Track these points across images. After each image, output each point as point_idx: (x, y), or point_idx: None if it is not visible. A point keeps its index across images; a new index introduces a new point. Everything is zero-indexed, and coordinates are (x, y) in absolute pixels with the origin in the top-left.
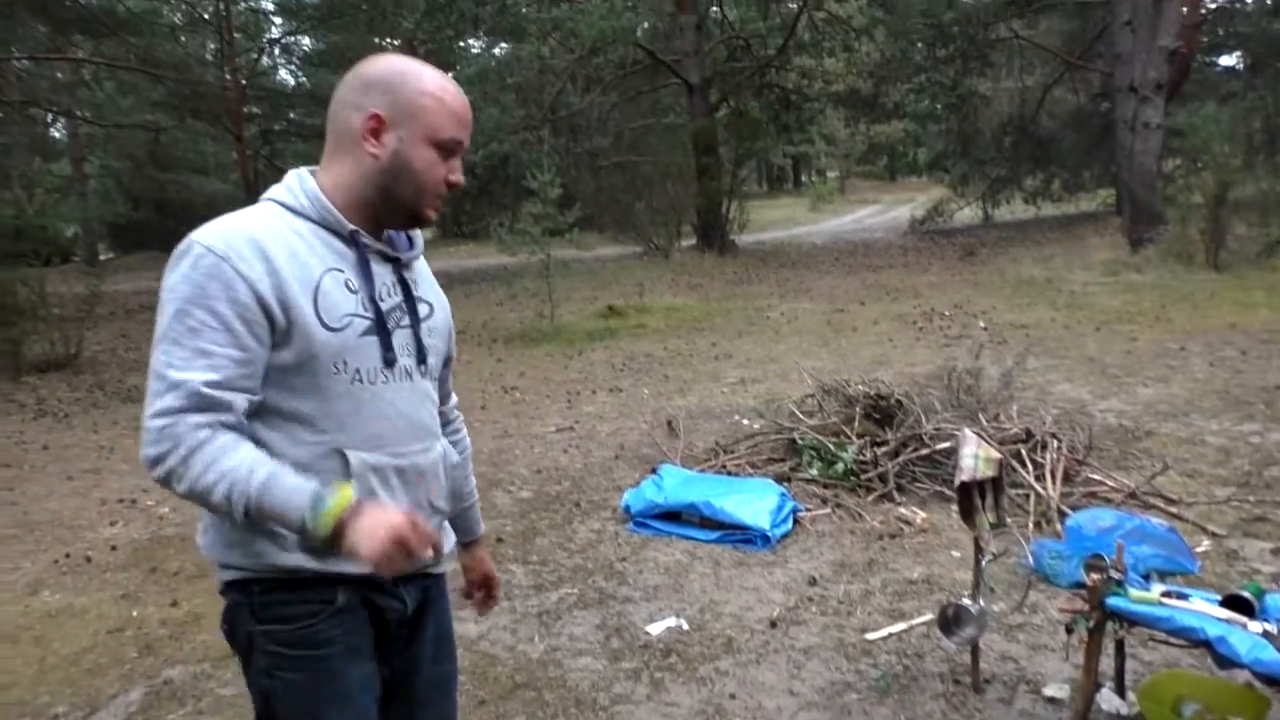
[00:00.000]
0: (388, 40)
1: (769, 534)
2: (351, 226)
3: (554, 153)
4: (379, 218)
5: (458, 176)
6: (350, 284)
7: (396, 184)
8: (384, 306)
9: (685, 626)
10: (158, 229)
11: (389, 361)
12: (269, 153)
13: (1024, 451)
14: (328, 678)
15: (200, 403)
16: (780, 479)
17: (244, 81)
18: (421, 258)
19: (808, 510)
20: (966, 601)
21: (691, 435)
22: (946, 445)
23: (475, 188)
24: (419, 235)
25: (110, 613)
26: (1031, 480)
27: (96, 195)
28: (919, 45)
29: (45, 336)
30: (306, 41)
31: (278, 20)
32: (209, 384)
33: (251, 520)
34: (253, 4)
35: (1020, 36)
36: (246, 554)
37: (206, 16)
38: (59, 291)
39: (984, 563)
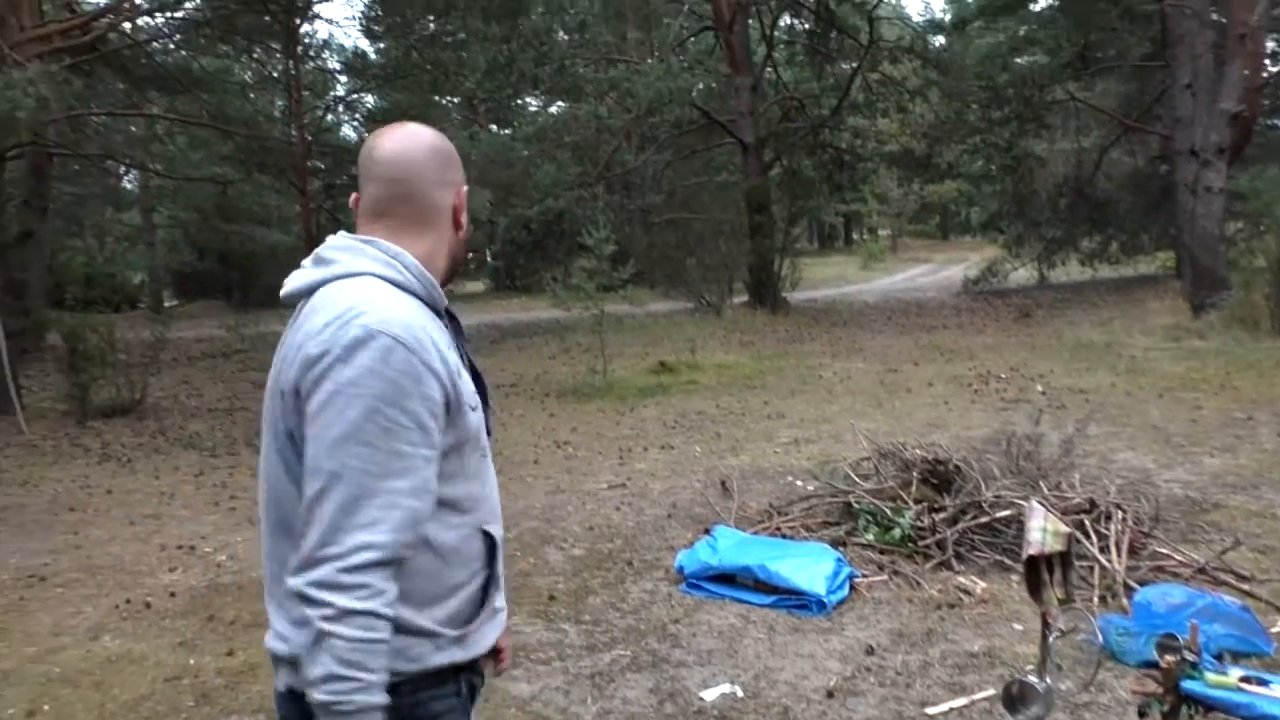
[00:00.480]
0: (449, 99)
1: (825, 600)
2: (446, 302)
3: (608, 209)
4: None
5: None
6: (463, 360)
7: (462, 253)
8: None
9: (740, 694)
10: (220, 278)
11: (489, 432)
12: (331, 206)
13: (1087, 522)
14: None
15: (398, 540)
16: (835, 543)
17: (309, 137)
18: None
19: (864, 576)
20: (1032, 678)
21: (744, 495)
22: (1007, 513)
23: (530, 242)
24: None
25: (168, 660)
26: (1096, 552)
27: (164, 244)
28: (973, 106)
29: (112, 382)
30: (370, 100)
31: (343, 79)
32: (406, 499)
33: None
34: (320, 64)
35: (1077, 99)
36: (405, 659)
37: (276, 75)
38: (125, 337)
39: (1051, 639)
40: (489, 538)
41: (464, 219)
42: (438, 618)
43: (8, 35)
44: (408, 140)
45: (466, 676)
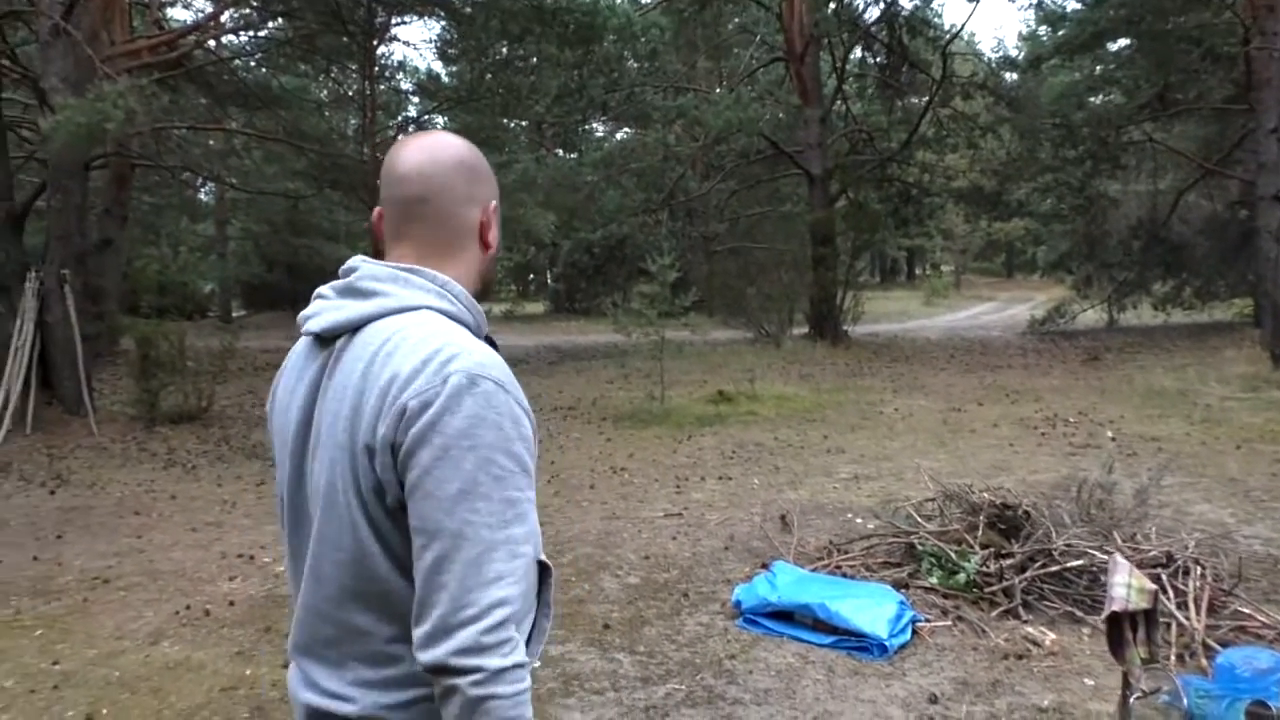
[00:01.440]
0: (518, 122)
1: (886, 643)
2: (488, 328)
3: (671, 236)
4: None
5: None
6: None
7: (491, 271)
8: None
9: None
10: (287, 290)
11: None
12: None
13: (1164, 577)
14: None
15: (524, 590)
16: (898, 585)
17: (380, 156)
18: None
19: (927, 621)
20: None
21: (803, 531)
22: (1078, 563)
23: (592, 266)
24: None
25: (225, 669)
26: (1173, 609)
27: (235, 256)
28: (1046, 145)
29: (180, 389)
30: (441, 121)
31: (415, 100)
32: (523, 546)
33: None
34: (394, 84)
35: (1154, 140)
36: None
37: (351, 94)
38: (195, 345)
39: (1132, 700)
40: (545, 568)
41: (493, 237)
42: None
43: (99, 49)
44: (432, 152)
45: None
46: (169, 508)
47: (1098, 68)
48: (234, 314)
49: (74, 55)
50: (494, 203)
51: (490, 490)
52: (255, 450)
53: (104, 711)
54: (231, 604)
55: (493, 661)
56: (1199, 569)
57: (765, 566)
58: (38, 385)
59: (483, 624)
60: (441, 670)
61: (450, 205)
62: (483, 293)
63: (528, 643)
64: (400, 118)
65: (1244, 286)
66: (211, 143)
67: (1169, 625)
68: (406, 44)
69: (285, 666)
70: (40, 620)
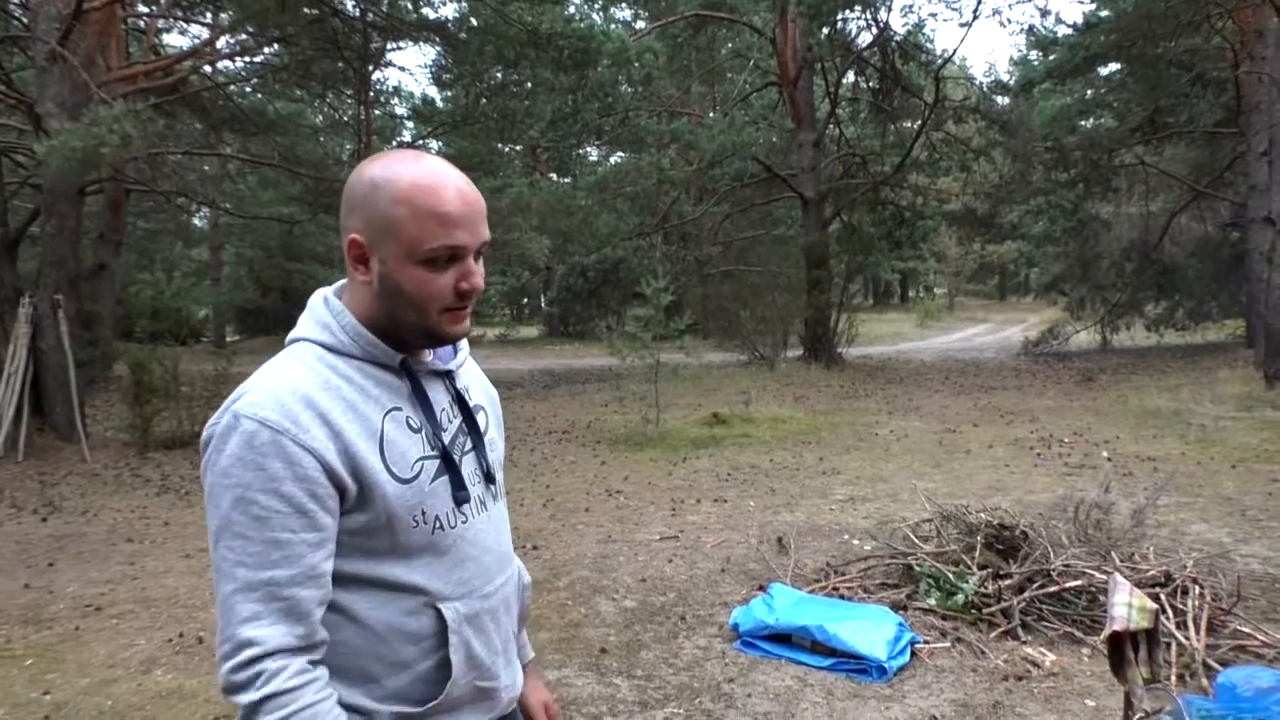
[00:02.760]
0: (512, 146)
1: (885, 665)
2: (400, 355)
3: (665, 259)
4: (404, 341)
5: (472, 281)
6: (411, 421)
7: (398, 309)
8: (446, 438)
9: None
10: (282, 315)
11: (460, 501)
12: None
13: (1163, 596)
14: None
15: (285, 630)
16: (895, 606)
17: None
18: (468, 358)
19: (926, 642)
20: None
21: (800, 553)
22: (1077, 583)
23: (585, 290)
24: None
25: (218, 698)
26: (1173, 628)
27: (229, 281)
28: (1039, 168)
29: (174, 414)
30: (435, 145)
31: (410, 125)
32: (287, 589)
33: None
34: (389, 110)
35: (1145, 163)
36: None
37: (347, 119)
38: (188, 370)
39: None
40: (440, 617)
41: (364, 274)
42: (377, 695)
43: (95, 74)
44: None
45: None
46: (162, 534)
47: (1089, 92)
48: (228, 339)
49: (70, 80)
50: (362, 236)
51: (246, 529)
52: None
53: None
54: None
55: (245, 697)
56: (1197, 588)
57: (762, 589)
58: (30, 411)
59: (231, 662)
60: None
61: (341, 234)
62: (400, 328)
63: (431, 697)
64: (395, 143)
65: (1236, 307)
66: (207, 168)
67: (1169, 645)
68: (402, 69)
69: None
70: (31, 649)
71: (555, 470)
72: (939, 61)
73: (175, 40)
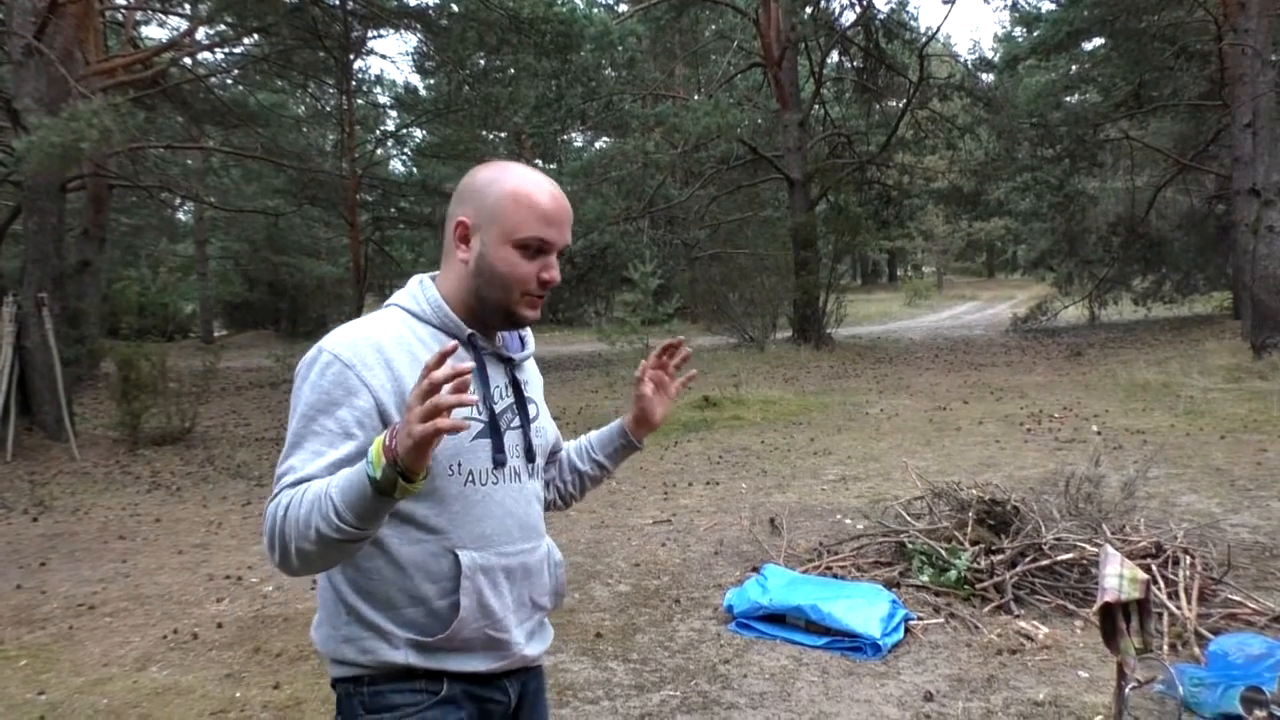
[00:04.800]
0: (496, 134)
1: (879, 643)
2: (469, 330)
3: (653, 244)
4: (483, 320)
5: (551, 274)
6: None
7: (486, 286)
8: (497, 409)
9: None
10: (269, 308)
11: (499, 463)
12: (379, 239)
13: (1154, 567)
14: None
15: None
16: (889, 584)
17: (359, 171)
18: (532, 358)
19: (919, 619)
20: None
21: (793, 533)
22: (1068, 556)
23: (573, 276)
24: (529, 336)
25: (214, 692)
26: (1165, 599)
27: (215, 275)
28: (1024, 144)
29: (163, 410)
30: (419, 134)
31: (393, 113)
32: (316, 472)
33: (352, 525)
34: (372, 99)
35: (1130, 138)
36: (360, 650)
37: (329, 109)
38: (176, 366)
39: (1127, 690)
40: (457, 561)
41: (464, 251)
42: (395, 620)
43: (73, 69)
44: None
45: (451, 684)
46: (154, 531)
47: (1073, 67)
48: (215, 334)
49: (48, 75)
50: (470, 219)
51: (304, 440)
52: (240, 470)
53: None
54: (219, 626)
55: (274, 558)
56: (1188, 559)
57: (756, 570)
58: (17, 411)
59: (264, 540)
60: None
61: (448, 221)
62: (483, 305)
63: (438, 632)
64: (378, 132)
65: (1223, 280)
66: (189, 161)
67: (1160, 615)
68: (383, 58)
69: (276, 687)
70: (25, 650)
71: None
72: (923, 39)
73: (154, 33)
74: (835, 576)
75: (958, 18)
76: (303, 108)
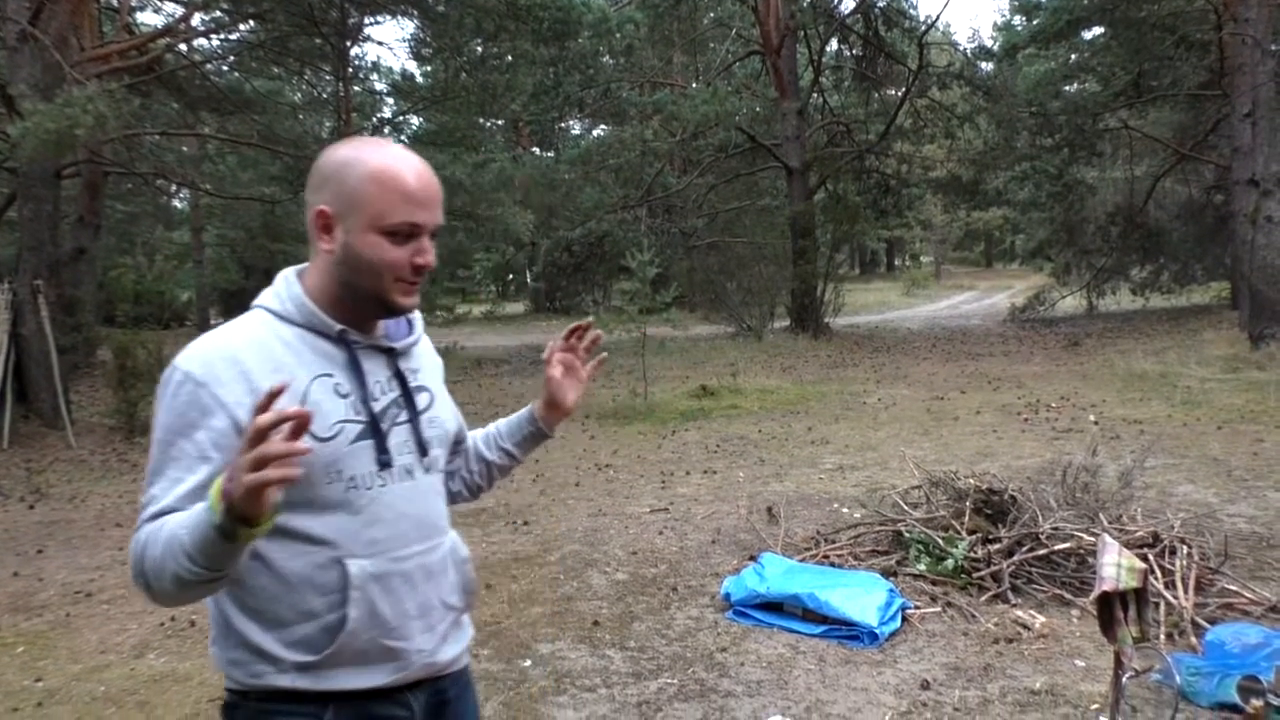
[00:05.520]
0: (493, 121)
1: (877, 631)
2: (339, 326)
3: (650, 232)
4: (356, 311)
5: (425, 258)
6: (341, 388)
7: (355, 276)
8: (378, 406)
9: None
10: None
11: (384, 464)
12: None
13: (1151, 557)
14: None
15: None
16: (886, 573)
17: None
18: (424, 341)
19: (916, 608)
20: (1103, 719)
21: (790, 522)
22: (1065, 546)
23: (571, 265)
24: (418, 320)
25: (212, 680)
26: (1161, 588)
27: (211, 263)
28: (1023, 133)
29: None
30: (416, 121)
31: (390, 101)
32: (175, 502)
33: (203, 567)
34: (368, 86)
35: (1130, 127)
36: (247, 674)
37: (325, 96)
38: (172, 354)
39: (1125, 679)
40: (345, 569)
41: (327, 242)
42: (284, 640)
43: (68, 54)
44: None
45: (337, 707)
46: None
47: (1073, 56)
48: (211, 321)
49: (42, 61)
50: (329, 207)
51: (163, 467)
52: None
53: None
54: None
55: (132, 539)
56: (1185, 548)
57: (753, 558)
58: (13, 399)
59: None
60: None
61: (307, 209)
62: (354, 296)
63: (326, 647)
64: (375, 119)
65: (1221, 270)
66: (185, 148)
67: (1158, 604)
68: (380, 44)
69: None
70: (22, 637)
71: (544, 445)
72: (922, 27)
73: (149, 19)
74: (832, 565)
75: (957, 6)
76: (299, 94)
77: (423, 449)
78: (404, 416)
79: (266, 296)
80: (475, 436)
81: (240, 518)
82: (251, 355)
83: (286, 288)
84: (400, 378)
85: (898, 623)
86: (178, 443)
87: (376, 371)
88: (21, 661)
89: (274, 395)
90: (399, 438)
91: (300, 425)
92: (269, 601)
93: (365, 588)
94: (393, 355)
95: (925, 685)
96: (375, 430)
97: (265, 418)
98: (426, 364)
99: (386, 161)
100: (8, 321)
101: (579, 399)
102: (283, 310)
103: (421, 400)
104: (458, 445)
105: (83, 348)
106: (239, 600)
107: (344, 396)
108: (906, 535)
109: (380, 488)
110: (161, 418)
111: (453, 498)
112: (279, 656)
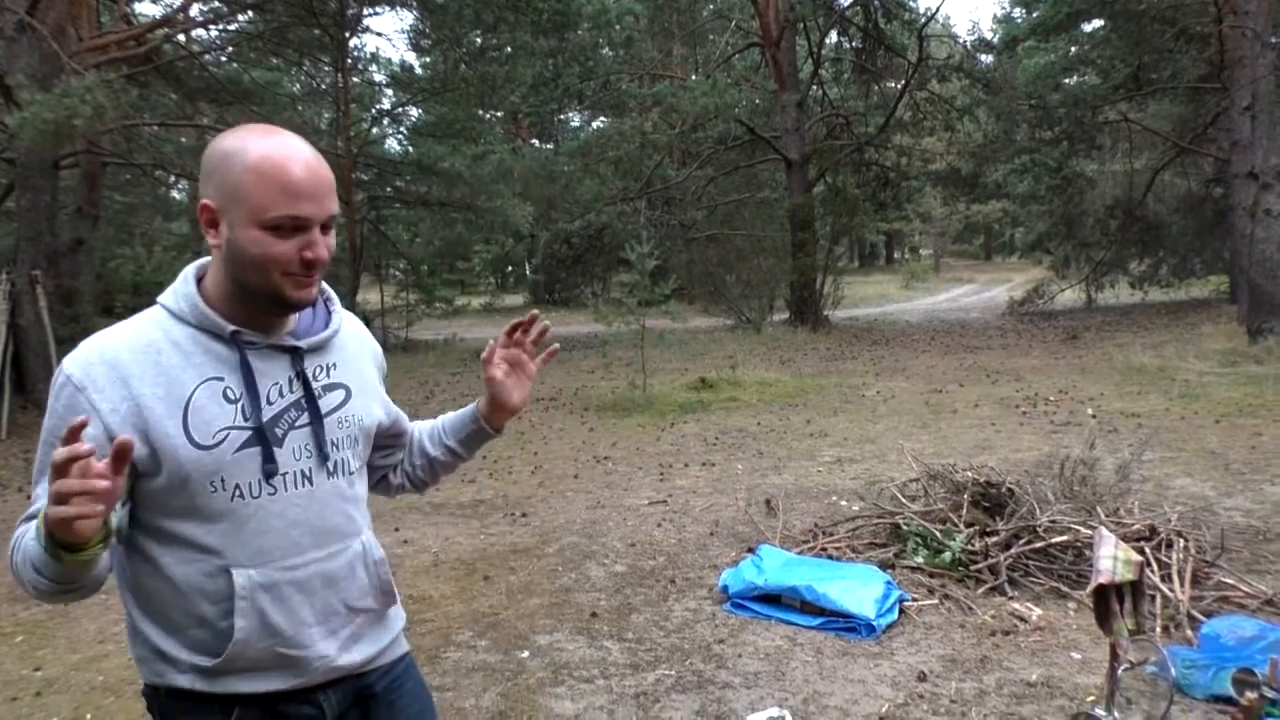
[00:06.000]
0: (492, 112)
1: (874, 623)
2: (231, 328)
3: (649, 224)
4: (252, 308)
5: (315, 252)
6: (230, 393)
7: (242, 272)
8: (270, 411)
9: (789, 718)
10: None
11: (269, 473)
12: (375, 218)
13: (1148, 550)
14: None
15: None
16: (883, 565)
17: (355, 150)
18: (348, 330)
19: (914, 600)
20: (1099, 711)
21: (788, 514)
22: (1063, 539)
23: (570, 257)
24: (336, 312)
25: None
26: (1158, 581)
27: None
28: (1023, 126)
29: None
30: (415, 112)
31: (389, 92)
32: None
33: (49, 579)
34: (367, 77)
35: (1129, 120)
36: (151, 672)
37: (324, 87)
38: None
39: (1120, 671)
40: (231, 578)
41: (215, 238)
42: (181, 642)
43: (66, 45)
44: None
45: (242, 708)
46: None
47: (1072, 48)
48: None
49: (40, 51)
50: (213, 201)
51: (43, 469)
52: None
53: (88, 717)
54: None
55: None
56: (1182, 541)
57: (751, 551)
58: (12, 389)
59: None
60: None
61: (198, 202)
62: (245, 292)
63: (221, 652)
64: (374, 110)
65: (1219, 263)
66: (183, 139)
67: (1154, 597)
68: (379, 35)
69: None
70: (21, 627)
71: (543, 438)
72: (922, 20)
73: (147, 9)
74: (830, 558)
75: None
76: (298, 86)
77: (323, 453)
78: (303, 420)
79: (166, 294)
80: (421, 429)
81: (60, 544)
82: (134, 359)
83: (182, 285)
84: (303, 378)
85: (895, 615)
86: (57, 445)
87: (275, 373)
88: (20, 651)
89: (76, 430)
90: (296, 442)
91: (121, 453)
92: (164, 605)
93: (253, 597)
94: (297, 355)
95: (922, 677)
96: (262, 438)
97: (59, 453)
98: (349, 356)
99: (267, 152)
100: (6, 312)
101: (527, 395)
102: (177, 310)
103: (331, 400)
104: (397, 438)
105: (81, 338)
106: (140, 602)
107: (233, 401)
108: (904, 528)
109: (268, 497)
110: (46, 420)
111: (396, 489)
112: (177, 658)
